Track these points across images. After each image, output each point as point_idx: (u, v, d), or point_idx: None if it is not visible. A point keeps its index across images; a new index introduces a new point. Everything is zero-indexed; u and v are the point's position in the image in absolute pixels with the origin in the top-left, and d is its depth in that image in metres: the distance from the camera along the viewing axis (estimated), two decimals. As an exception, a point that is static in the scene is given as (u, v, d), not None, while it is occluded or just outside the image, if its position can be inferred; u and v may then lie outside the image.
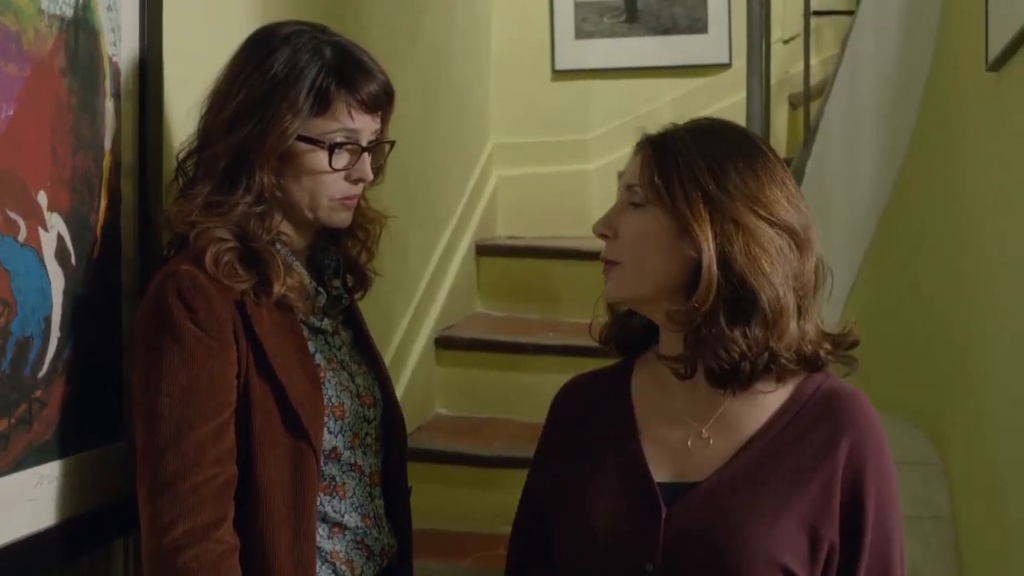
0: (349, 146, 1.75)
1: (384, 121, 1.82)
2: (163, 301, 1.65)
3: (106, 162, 1.79)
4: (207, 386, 1.64)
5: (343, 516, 1.77)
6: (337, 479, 1.77)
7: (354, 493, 1.79)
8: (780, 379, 1.55)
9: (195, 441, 1.62)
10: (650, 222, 1.54)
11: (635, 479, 1.57)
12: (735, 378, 1.51)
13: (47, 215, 1.64)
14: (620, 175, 1.62)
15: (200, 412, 1.63)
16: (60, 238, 1.68)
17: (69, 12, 1.68)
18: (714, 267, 1.48)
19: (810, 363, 1.56)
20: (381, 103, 1.78)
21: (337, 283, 1.86)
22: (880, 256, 3.47)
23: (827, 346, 1.57)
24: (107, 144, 1.79)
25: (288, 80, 1.70)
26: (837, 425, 1.53)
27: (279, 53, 1.72)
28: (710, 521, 1.51)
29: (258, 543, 1.67)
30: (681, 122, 1.61)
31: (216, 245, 1.68)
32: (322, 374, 1.76)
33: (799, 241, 1.53)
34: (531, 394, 3.59)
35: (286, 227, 1.77)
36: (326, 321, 1.82)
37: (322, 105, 1.72)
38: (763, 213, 1.51)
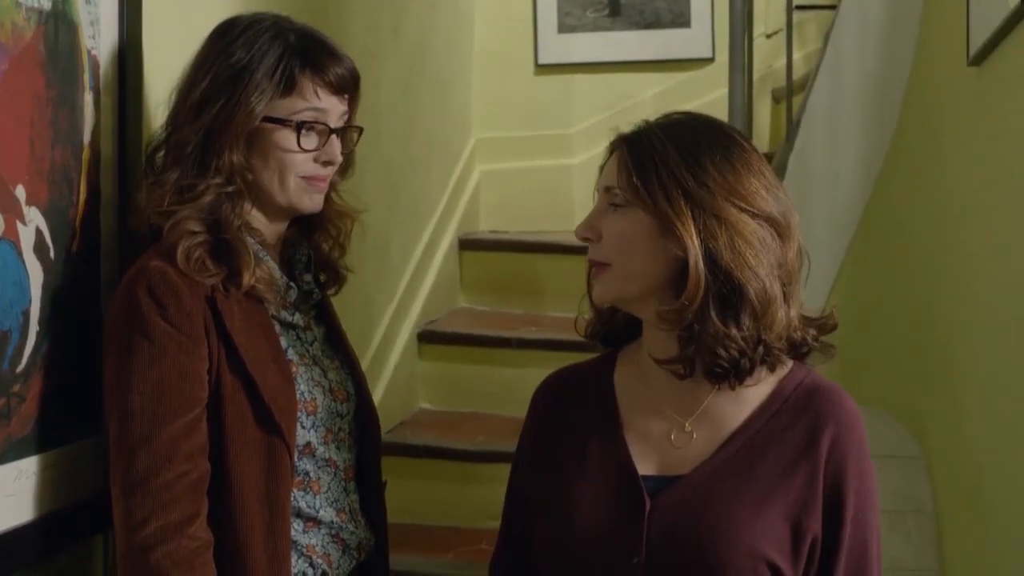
0: (318, 126, 1.75)
1: (351, 107, 1.82)
2: (133, 297, 1.65)
3: (85, 156, 1.78)
4: (178, 382, 1.63)
5: (317, 511, 1.76)
6: (311, 475, 1.76)
7: (329, 488, 1.78)
8: (772, 368, 1.56)
9: (167, 438, 1.62)
10: (633, 223, 1.54)
11: (619, 472, 1.57)
12: (736, 375, 1.52)
13: (25, 209, 1.63)
14: (602, 169, 1.61)
15: (171, 408, 1.63)
16: (39, 232, 1.67)
17: (47, 5, 1.67)
18: (701, 264, 1.48)
19: (798, 349, 1.57)
20: (347, 86, 1.79)
21: (308, 277, 1.85)
22: (862, 251, 3.48)
23: (812, 331, 1.58)
24: (86, 138, 1.78)
25: (252, 62, 1.71)
26: (819, 419, 1.54)
27: (242, 39, 1.73)
28: (694, 514, 1.51)
29: (232, 539, 1.66)
30: (660, 117, 1.60)
31: (187, 240, 1.67)
32: (294, 369, 1.76)
33: (780, 229, 1.53)
34: (514, 389, 3.60)
35: (257, 215, 1.77)
36: (297, 316, 1.82)
37: (288, 85, 1.72)
38: (743, 205, 1.51)
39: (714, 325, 1.49)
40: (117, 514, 1.63)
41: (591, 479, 1.58)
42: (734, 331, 1.49)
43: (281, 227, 1.81)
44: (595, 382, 1.66)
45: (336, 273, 1.91)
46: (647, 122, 1.59)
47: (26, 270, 1.64)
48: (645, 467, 1.57)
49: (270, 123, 1.72)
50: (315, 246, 1.88)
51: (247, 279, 1.69)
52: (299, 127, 1.73)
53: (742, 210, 1.50)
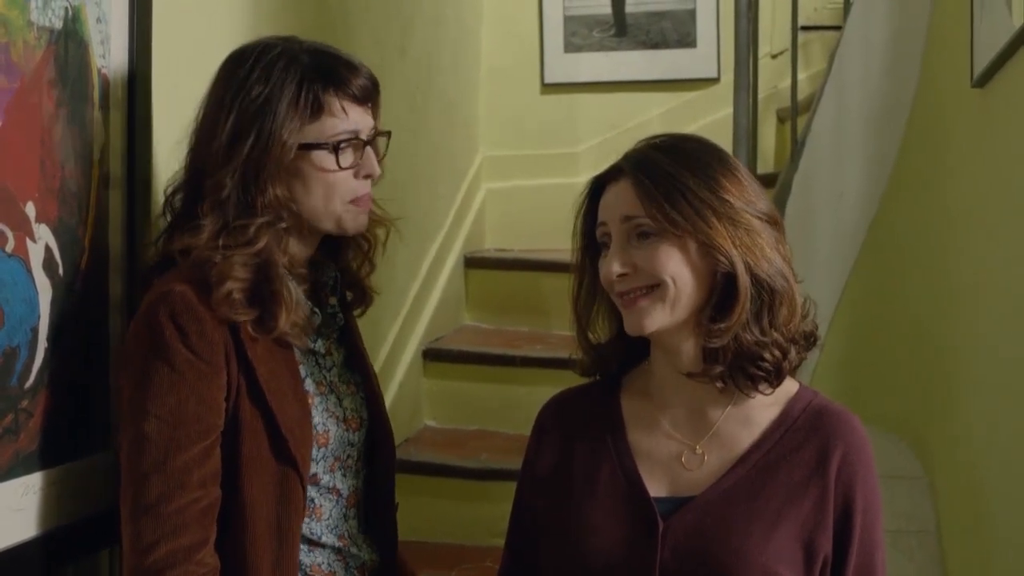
0: (353, 142, 1.74)
1: (375, 113, 1.80)
2: (155, 321, 1.63)
3: (94, 173, 1.79)
4: (195, 409, 1.62)
5: (320, 537, 1.76)
6: (315, 502, 1.76)
7: (330, 515, 1.78)
8: (794, 370, 1.58)
9: (181, 464, 1.61)
10: (671, 249, 1.53)
11: (630, 493, 1.57)
12: (777, 376, 1.55)
13: (35, 226, 1.65)
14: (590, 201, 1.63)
15: (187, 435, 1.62)
16: (48, 249, 1.68)
17: (59, 24, 1.69)
18: (746, 274, 1.51)
19: (809, 339, 1.59)
20: (370, 94, 1.77)
21: (334, 300, 1.84)
22: (867, 271, 3.48)
23: (810, 319, 1.61)
24: (96, 155, 1.79)
25: (273, 95, 1.69)
26: (828, 440, 1.56)
27: (256, 72, 1.70)
28: (707, 535, 1.52)
29: (239, 566, 1.65)
30: (646, 143, 1.62)
31: (231, 283, 1.65)
32: (311, 400, 1.75)
33: (779, 227, 1.57)
34: (519, 407, 3.60)
35: (292, 242, 1.74)
36: (319, 343, 1.80)
37: (315, 108, 1.70)
38: (753, 211, 1.54)
39: (758, 331, 1.52)
40: (126, 536, 1.62)
41: (600, 500, 1.58)
42: (776, 335, 1.52)
43: (311, 250, 1.79)
44: (602, 404, 1.67)
45: (363, 293, 1.89)
46: (642, 150, 1.60)
47: (35, 287, 1.65)
48: (656, 488, 1.57)
49: (305, 150, 1.70)
50: (344, 265, 1.86)
51: (282, 325, 1.67)
52: (336, 147, 1.72)
53: (753, 215, 1.54)
